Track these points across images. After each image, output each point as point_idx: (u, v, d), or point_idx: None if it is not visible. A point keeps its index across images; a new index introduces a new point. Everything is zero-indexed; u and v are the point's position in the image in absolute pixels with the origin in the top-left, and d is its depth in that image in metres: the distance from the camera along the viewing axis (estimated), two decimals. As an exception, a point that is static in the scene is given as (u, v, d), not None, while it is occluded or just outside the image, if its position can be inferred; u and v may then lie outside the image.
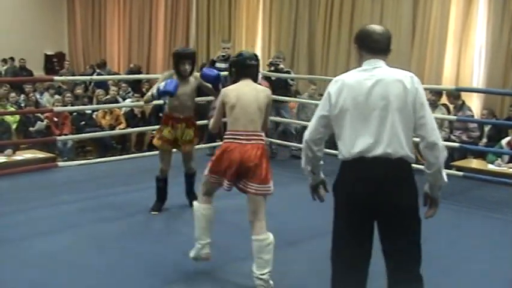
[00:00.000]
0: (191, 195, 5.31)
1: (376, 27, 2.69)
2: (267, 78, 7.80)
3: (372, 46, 2.63)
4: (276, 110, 7.84)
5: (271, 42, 11.92)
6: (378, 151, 2.52)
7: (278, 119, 7.91)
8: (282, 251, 4.33)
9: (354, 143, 2.55)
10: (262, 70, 7.89)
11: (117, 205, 5.39)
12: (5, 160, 6.58)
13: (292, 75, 8.22)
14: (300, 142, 8.47)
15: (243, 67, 3.76)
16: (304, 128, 9.48)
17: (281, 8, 11.64)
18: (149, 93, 4.98)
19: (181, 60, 4.97)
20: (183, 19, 13.82)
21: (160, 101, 5.68)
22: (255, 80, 3.83)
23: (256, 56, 3.88)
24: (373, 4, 10.15)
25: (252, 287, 3.57)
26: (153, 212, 5.17)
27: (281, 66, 7.87)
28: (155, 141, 5.19)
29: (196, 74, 5.15)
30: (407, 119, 2.54)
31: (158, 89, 4.75)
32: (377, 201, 2.54)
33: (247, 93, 3.65)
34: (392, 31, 9.78)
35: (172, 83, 4.72)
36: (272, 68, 7.89)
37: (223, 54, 7.90)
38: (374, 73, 2.59)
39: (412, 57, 9.51)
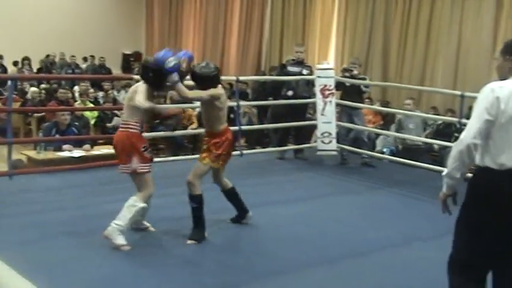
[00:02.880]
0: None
1: None
2: (339, 83, 7.71)
3: None
4: (348, 117, 7.71)
5: (345, 48, 11.83)
6: None
7: (350, 125, 7.76)
8: (352, 260, 4.28)
9: None
10: (335, 75, 7.82)
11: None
12: (83, 154, 6.83)
13: (367, 81, 8.07)
14: (372, 150, 8.36)
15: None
16: (377, 135, 9.03)
17: (356, 14, 11.53)
18: None
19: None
20: (257, 23, 13.94)
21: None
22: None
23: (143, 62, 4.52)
24: (452, 10, 9.87)
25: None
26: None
27: (355, 72, 7.75)
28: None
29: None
30: None
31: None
32: None
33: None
34: (472, 40, 9.59)
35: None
36: (347, 74, 7.78)
37: (294, 58, 7.89)
38: None
39: (492, 69, 9.13)
